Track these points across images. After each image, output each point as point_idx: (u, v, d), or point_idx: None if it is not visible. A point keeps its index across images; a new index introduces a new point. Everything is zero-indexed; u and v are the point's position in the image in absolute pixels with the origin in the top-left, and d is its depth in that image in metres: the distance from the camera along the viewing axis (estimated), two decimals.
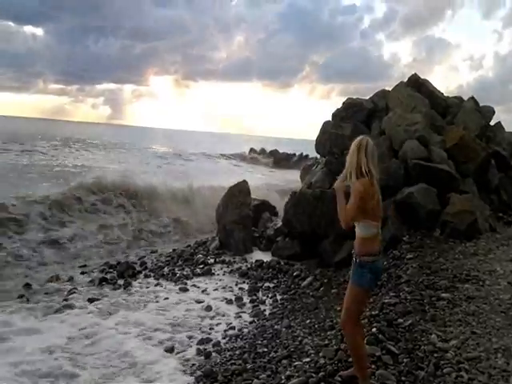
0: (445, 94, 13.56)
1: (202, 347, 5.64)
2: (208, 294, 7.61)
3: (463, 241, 7.86)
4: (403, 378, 3.41)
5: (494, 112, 14.83)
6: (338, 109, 12.93)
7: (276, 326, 5.97)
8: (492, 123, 14.46)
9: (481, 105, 14.73)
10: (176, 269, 8.88)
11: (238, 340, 5.76)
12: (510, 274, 5.96)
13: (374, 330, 4.19)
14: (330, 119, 12.62)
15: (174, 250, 10.35)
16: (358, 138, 3.40)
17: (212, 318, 6.70)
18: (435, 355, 3.72)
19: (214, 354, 5.44)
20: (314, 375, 3.59)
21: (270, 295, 7.51)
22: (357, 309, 3.26)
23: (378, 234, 3.27)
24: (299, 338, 5.24)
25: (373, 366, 3.53)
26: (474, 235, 8.21)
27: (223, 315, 6.77)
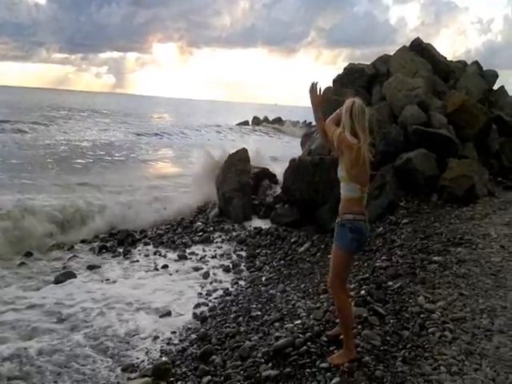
0: (452, 59, 13.35)
1: (198, 311, 5.77)
2: (206, 262, 7.73)
3: (460, 206, 7.86)
4: (388, 338, 3.48)
5: (497, 76, 14.58)
6: (338, 74, 12.77)
7: (271, 291, 6.06)
8: (496, 87, 14.29)
9: (488, 69, 14.46)
10: (175, 237, 8.97)
11: (234, 305, 5.86)
12: (504, 237, 5.97)
13: (362, 292, 4.26)
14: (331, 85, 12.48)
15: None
16: (348, 101, 3.31)
17: (210, 284, 6.82)
18: (421, 316, 3.77)
19: (209, 318, 5.57)
20: (300, 335, 3.67)
21: (267, 261, 7.60)
22: (341, 270, 3.28)
23: (363, 198, 3.25)
24: (293, 302, 5.32)
25: (359, 327, 3.60)
26: (471, 200, 8.20)
27: (220, 282, 6.90)
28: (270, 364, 3.44)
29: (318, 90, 3.47)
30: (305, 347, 3.44)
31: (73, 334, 5.18)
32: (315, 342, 3.52)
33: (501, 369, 3.01)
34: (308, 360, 3.30)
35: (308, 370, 3.20)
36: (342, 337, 3.34)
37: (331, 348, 3.39)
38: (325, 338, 3.55)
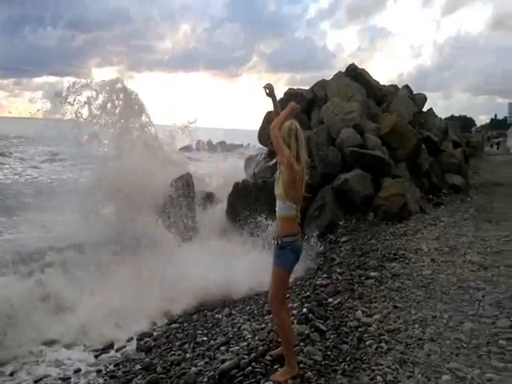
0: (387, 82, 14.20)
1: (142, 342, 5.68)
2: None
3: (395, 223, 8.31)
4: (329, 353, 3.61)
5: (426, 99, 15.67)
6: (280, 99, 13.12)
7: (217, 315, 6.07)
8: (426, 109, 15.32)
9: (419, 91, 15.48)
10: None
11: (179, 332, 5.81)
12: (434, 251, 6.40)
13: (304, 310, 4.39)
14: None
15: None
16: (288, 123, 3.41)
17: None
18: (359, 329, 3.96)
19: (154, 348, 5.49)
20: (245, 357, 3.72)
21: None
22: (281, 289, 3.40)
23: (298, 216, 3.40)
24: (238, 325, 5.36)
25: (301, 344, 3.72)
26: (404, 217, 8.71)
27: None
28: None
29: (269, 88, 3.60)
30: (249, 368, 3.50)
31: None
32: (259, 361, 3.59)
33: (431, 374, 3.23)
34: (253, 380, 3.35)
35: None
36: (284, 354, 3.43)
37: (275, 366, 3.48)
38: (269, 358, 3.63)
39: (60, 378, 4.99)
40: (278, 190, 3.38)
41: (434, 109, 15.91)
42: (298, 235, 3.37)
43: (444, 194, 11.50)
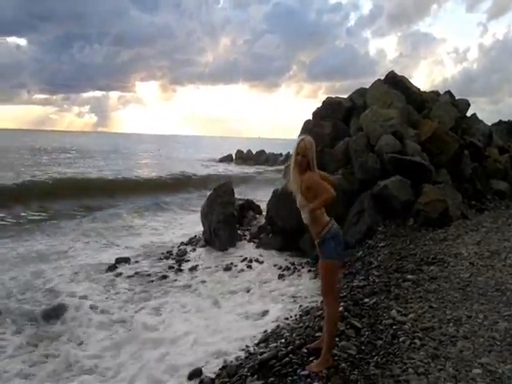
0: (431, 88, 14.13)
1: None
2: (192, 292, 7.85)
3: (435, 228, 8.26)
4: (363, 348, 3.77)
5: (469, 104, 15.36)
6: (318, 108, 13.33)
7: (255, 315, 6.30)
8: (470, 114, 15.02)
9: (465, 97, 15.19)
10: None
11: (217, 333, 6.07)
12: (474, 255, 6.37)
13: (340, 308, 4.55)
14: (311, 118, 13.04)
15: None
16: (309, 139, 3.63)
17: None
18: (394, 327, 4.09)
19: None
20: (283, 349, 3.95)
21: (251, 286, 7.80)
22: (332, 280, 3.58)
23: (324, 212, 3.60)
24: (276, 323, 5.60)
25: (337, 339, 3.88)
26: (445, 223, 8.63)
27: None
28: (255, 376, 3.70)
29: None
30: (287, 358, 3.73)
31: None
32: (296, 353, 3.80)
33: (462, 368, 3.33)
34: (290, 369, 3.57)
35: (290, 377, 3.47)
36: (321, 349, 3.62)
37: (311, 358, 3.67)
38: (305, 350, 3.83)
39: None
40: (301, 200, 3.57)
41: (481, 114, 15.65)
42: (331, 221, 3.56)
43: (488, 200, 11.26)
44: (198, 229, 11.64)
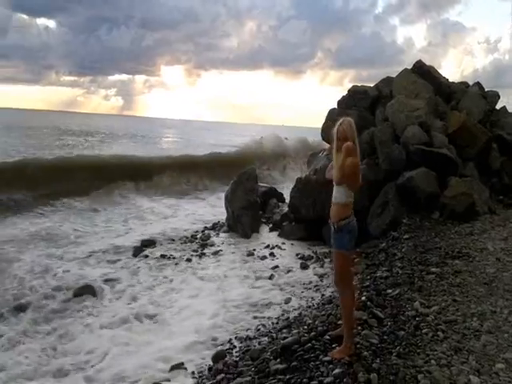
0: (460, 78, 13.84)
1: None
2: (216, 276, 8.00)
3: (461, 222, 8.17)
4: (385, 337, 3.82)
5: (498, 97, 14.96)
6: (343, 96, 13.21)
7: (278, 302, 6.40)
8: (500, 107, 14.67)
9: (496, 88, 14.80)
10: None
11: (243, 312, 6.20)
12: (500, 251, 6.31)
13: (363, 298, 4.61)
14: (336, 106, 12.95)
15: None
16: (348, 120, 3.65)
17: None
18: (417, 319, 4.12)
19: None
20: (306, 335, 4.03)
21: (274, 274, 7.90)
22: (344, 269, 3.65)
23: (352, 203, 3.66)
24: (299, 311, 5.68)
25: (359, 328, 3.94)
26: (472, 217, 8.52)
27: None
28: (278, 360, 3.80)
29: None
30: (309, 344, 3.81)
31: None
32: (319, 340, 3.88)
33: (485, 362, 3.36)
34: (312, 355, 3.65)
35: (312, 363, 3.55)
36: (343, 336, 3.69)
37: (333, 345, 3.74)
38: (327, 337, 3.90)
39: None
40: (337, 174, 3.59)
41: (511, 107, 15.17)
42: (352, 216, 3.61)
43: None
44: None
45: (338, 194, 3.64)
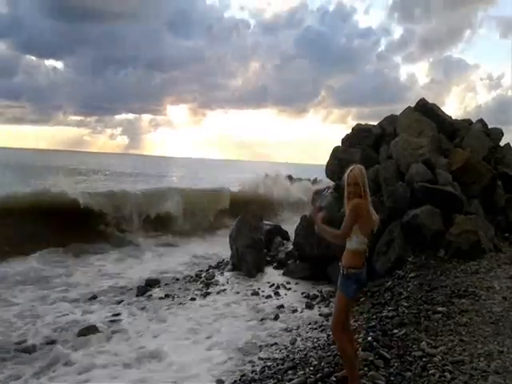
0: (463, 114, 14.10)
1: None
2: (220, 315, 7.92)
3: (466, 260, 8.13)
4: (392, 379, 3.77)
5: (502, 134, 15.12)
6: (347, 134, 13.43)
7: (284, 342, 6.32)
8: (504, 144, 14.80)
9: (499, 125, 14.98)
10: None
11: (248, 353, 6.12)
12: (507, 289, 6.27)
13: (369, 338, 4.56)
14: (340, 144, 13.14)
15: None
16: (359, 166, 3.76)
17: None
18: (423, 359, 4.08)
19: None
20: (312, 376, 3.98)
21: (279, 313, 7.83)
22: (343, 314, 3.65)
23: (366, 251, 3.67)
24: (304, 352, 5.60)
25: (365, 369, 3.90)
26: (477, 255, 8.47)
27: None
28: None
29: (318, 209, 3.94)
30: None
31: None
32: (325, 381, 3.84)
33: None
34: None
35: None
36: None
37: None
38: (334, 379, 3.85)
39: None
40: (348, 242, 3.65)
41: None
42: (364, 268, 3.62)
43: None
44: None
45: (349, 240, 3.67)
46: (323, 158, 13.50)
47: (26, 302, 8.25)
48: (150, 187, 22.64)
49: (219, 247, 13.16)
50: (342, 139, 13.33)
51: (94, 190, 18.11)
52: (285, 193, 24.16)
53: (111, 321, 7.44)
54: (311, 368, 4.44)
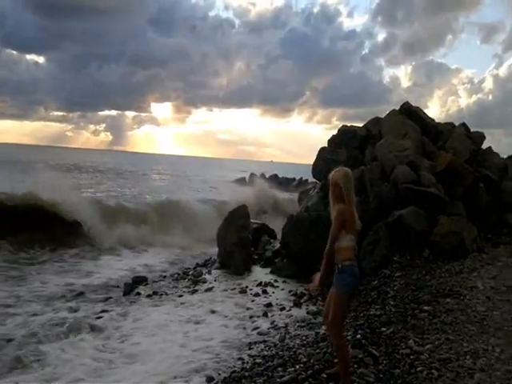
0: (445, 117, 14.35)
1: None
2: (209, 313, 7.96)
3: (450, 260, 8.32)
4: (381, 376, 3.87)
5: (484, 137, 15.45)
6: (333, 135, 13.59)
7: (272, 340, 6.38)
8: (485, 147, 15.11)
9: (480, 128, 15.31)
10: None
11: (237, 351, 6.17)
12: (490, 289, 6.44)
13: (358, 336, 4.66)
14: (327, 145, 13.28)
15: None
16: (344, 169, 3.89)
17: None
18: (411, 357, 4.19)
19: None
20: (303, 373, 4.05)
21: (267, 311, 7.89)
22: (340, 311, 3.74)
23: (355, 247, 3.79)
24: (294, 349, 5.67)
25: (355, 366, 3.99)
26: (461, 255, 8.69)
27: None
28: None
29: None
30: (307, 382, 3.83)
31: None
32: (316, 378, 3.91)
33: None
34: None
35: None
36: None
37: (330, 383, 3.78)
38: (324, 375, 3.93)
39: None
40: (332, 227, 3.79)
41: (496, 146, 15.70)
42: (355, 261, 3.73)
43: (504, 234, 11.27)
44: None
45: (338, 241, 3.79)
46: (308, 158, 13.65)
47: None
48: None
49: None
50: (328, 140, 13.49)
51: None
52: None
53: (97, 317, 7.39)
54: (301, 365, 4.52)
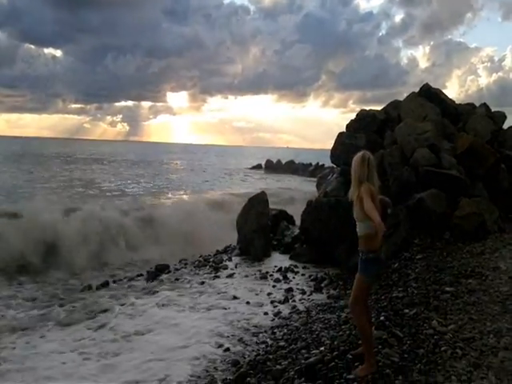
0: (465, 98, 14.11)
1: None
2: (231, 299, 8.08)
3: (472, 242, 8.28)
4: (406, 355, 3.94)
5: (505, 117, 15.15)
6: (351, 120, 13.46)
7: (295, 324, 6.48)
8: (506, 127, 14.83)
9: (501, 107, 15.05)
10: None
11: (260, 335, 6.29)
12: None
13: (382, 318, 4.73)
14: (345, 130, 13.19)
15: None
16: (361, 153, 3.90)
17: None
18: (435, 337, 4.24)
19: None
20: (328, 354, 4.15)
21: (288, 296, 8.00)
22: (361, 295, 3.80)
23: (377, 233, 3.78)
24: (316, 332, 5.76)
25: (379, 347, 4.06)
26: (482, 236, 8.63)
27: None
28: (303, 378, 3.92)
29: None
30: (333, 363, 3.93)
31: None
32: (341, 359, 4.00)
33: (504, 377, 3.46)
34: (336, 373, 3.77)
35: (337, 381, 3.67)
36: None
37: (356, 364, 3.86)
38: (350, 356, 4.02)
39: None
40: (358, 214, 3.79)
41: None
42: (380, 250, 3.76)
43: None
44: None
45: (359, 228, 3.84)
46: (323, 143, 13.59)
47: None
48: None
49: None
50: (347, 125, 13.35)
51: None
52: None
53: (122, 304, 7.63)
54: (326, 347, 4.60)
